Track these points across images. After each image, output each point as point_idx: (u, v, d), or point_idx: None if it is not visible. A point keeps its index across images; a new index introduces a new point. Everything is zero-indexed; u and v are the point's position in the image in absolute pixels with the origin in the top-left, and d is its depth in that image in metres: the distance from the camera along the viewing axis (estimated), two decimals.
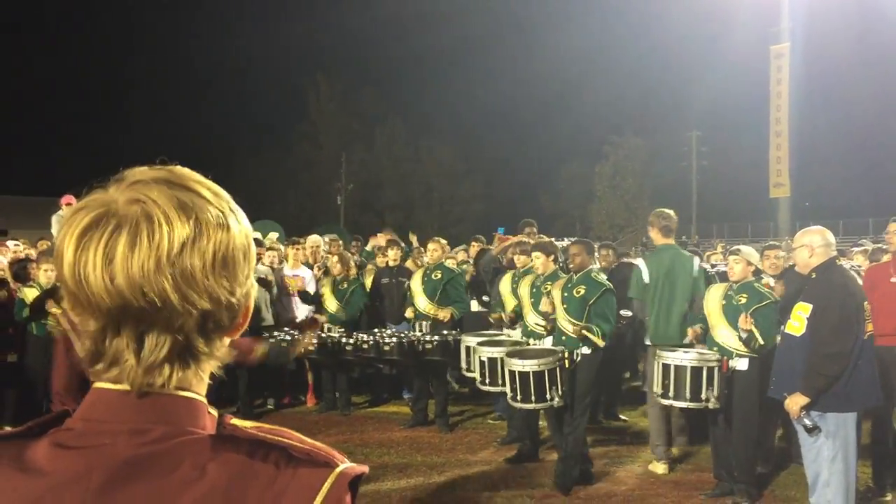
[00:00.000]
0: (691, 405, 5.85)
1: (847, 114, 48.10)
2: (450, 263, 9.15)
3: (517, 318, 7.26)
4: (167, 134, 55.70)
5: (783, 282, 6.47)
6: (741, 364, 5.74)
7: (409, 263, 9.71)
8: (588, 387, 6.13)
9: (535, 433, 7.06)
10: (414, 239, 12.30)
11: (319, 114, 55.69)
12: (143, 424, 0.89)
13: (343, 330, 8.54)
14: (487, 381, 6.65)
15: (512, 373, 6.09)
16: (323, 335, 8.46)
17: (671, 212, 7.01)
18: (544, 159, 56.30)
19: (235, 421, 0.93)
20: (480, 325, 8.29)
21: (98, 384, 0.92)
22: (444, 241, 8.96)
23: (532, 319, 6.83)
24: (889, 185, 44.81)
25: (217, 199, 0.93)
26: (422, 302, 8.33)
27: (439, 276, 8.38)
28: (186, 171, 0.95)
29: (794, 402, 4.66)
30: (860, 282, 6.00)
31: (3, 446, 0.92)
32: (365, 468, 0.92)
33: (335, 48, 60.82)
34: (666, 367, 5.87)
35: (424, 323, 8.26)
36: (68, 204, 10.95)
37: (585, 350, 6.15)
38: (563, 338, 6.27)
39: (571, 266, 6.50)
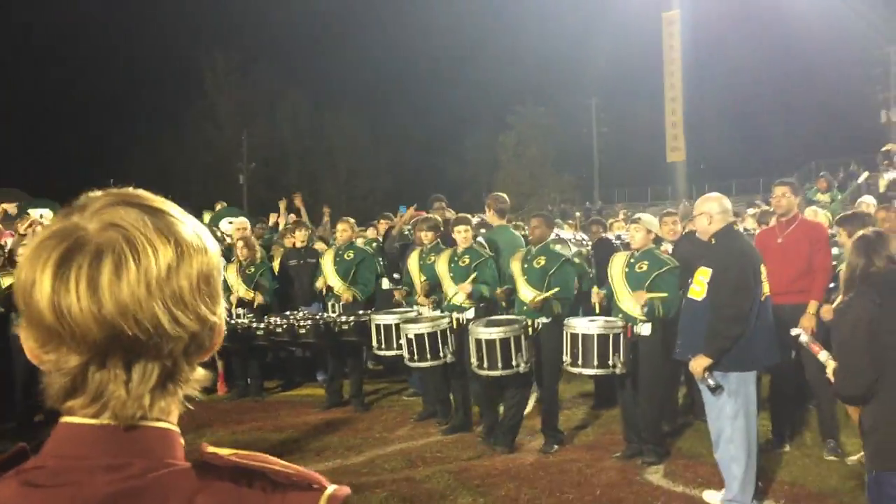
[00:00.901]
0: (599, 371, 6.03)
1: (737, 76, 49.91)
2: (359, 242, 9.10)
3: (431, 293, 7.27)
4: (63, 121, 53.21)
5: (677, 247, 6.71)
6: (645, 329, 5.92)
7: (317, 244, 9.60)
8: (554, 355, 6.25)
9: (468, 405, 7.16)
10: (326, 213, 12.26)
11: (217, 91, 54.15)
12: (120, 459, 0.85)
13: (252, 315, 8.39)
14: (416, 357, 6.72)
15: (478, 341, 6.25)
16: (232, 321, 8.30)
17: (505, 195, 7.65)
18: (449, 130, 56.39)
19: (212, 448, 0.90)
20: (392, 303, 8.27)
21: (68, 419, 0.87)
22: (352, 221, 8.88)
23: (453, 294, 6.87)
24: (776, 144, 46.91)
25: (187, 219, 0.92)
26: (335, 282, 8.26)
27: (351, 255, 8.33)
28: (146, 192, 0.93)
29: (698, 364, 4.84)
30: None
31: None
32: (348, 489, 0.92)
33: (228, 22, 58.93)
34: (574, 336, 6.00)
35: (338, 303, 8.21)
36: None
37: (545, 319, 6.33)
38: (524, 308, 6.42)
39: (531, 238, 6.73)
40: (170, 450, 0.90)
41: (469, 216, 7.61)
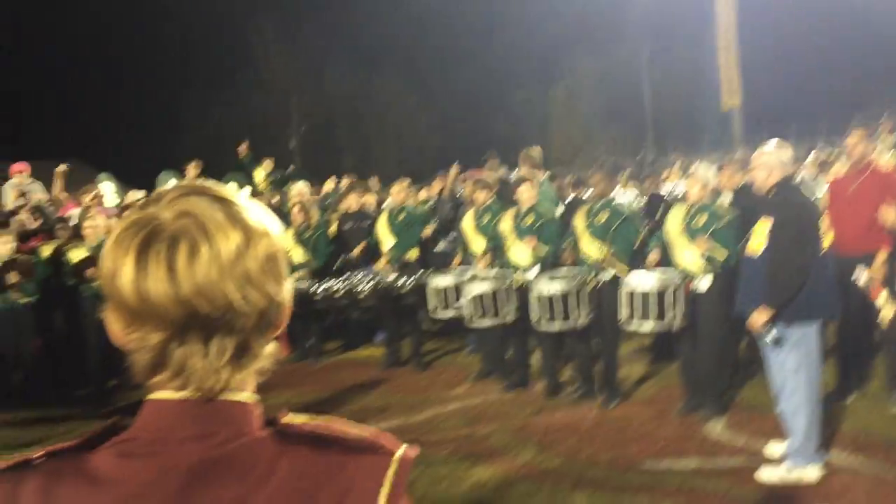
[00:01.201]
0: (657, 326, 6.01)
1: (793, 15, 48.11)
2: (412, 202, 9.15)
3: (495, 254, 7.27)
4: (113, 91, 54.08)
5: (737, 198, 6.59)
6: (704, 283, 5.87)
7: (366, 198, 9.63)
8: (614, 311, 6.25)
9: (527, 361, 7.24)
10: (375, 181, 12.27)
11: (264, 57, 54.38)
12: (207, 429, 0.93)
13: (311, 279, 8.53)
14: (479, 316, 6.84)
15: (540, 297, 6.35)
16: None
17: (536, 148, 7.84)
18: (497, 86, 55.64)
19: (289, 417, 0.99)
20: (446, 263, 8.33)
21: (154, 395, 0.95)
22: (406, 182, 8.93)
23: (516, 253, 6.89)
24: (838, 82, 45.25)
25: (252, 206, 0.99)
26: (391, 243, 8.32)
27: (404, 216, 8.38)
28: (213, 183, 1.01)
29: (759, 316, 4.78)
30: (816, 193, 6.12)
31: (59, 462, 0.93)
32: (417, 449, 0.99)
33: None
34: (631, 292, 5.99)
35: (395, 265, 8.28)
36: (20, 171, 10.55)
37: (608, 275, 6.36)
38: (587, 262, 6.49)
39: (595, 193, 6.79)
40: (250, 419, 0.96)
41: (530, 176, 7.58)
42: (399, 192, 8.58)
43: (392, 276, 8.04)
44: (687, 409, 6.12)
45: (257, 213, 0.98)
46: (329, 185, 12.18)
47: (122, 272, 0.90)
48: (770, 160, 4.88)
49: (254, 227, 0.95)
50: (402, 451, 0.98)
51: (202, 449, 0.91)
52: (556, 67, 52.24)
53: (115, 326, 0.95)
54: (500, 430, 6.05)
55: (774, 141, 5.05)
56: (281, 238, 1.00)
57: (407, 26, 58.49)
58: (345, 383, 7.86)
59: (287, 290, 1.00)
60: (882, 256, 5.70)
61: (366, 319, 9.43)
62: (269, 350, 0.99)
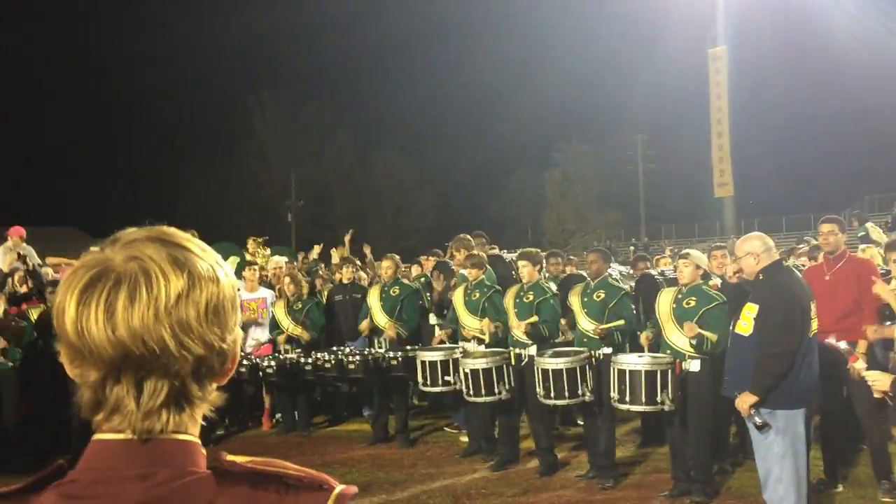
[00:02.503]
0: (647, 408, 5.99)
1: (785, 112, 49.34)
2: (414, 273, 9.19)
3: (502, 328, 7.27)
4: (115, 160, 54.82)
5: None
6: (693, 365, 5.88)
7: (361, 278, 9.69)
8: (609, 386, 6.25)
9: (516, 440, 7.15)
10: (368, 251, 12.30)
11: (266, 131, 55.24)
12: (148, 469, 0.94)
13: (300, 350, 8.50)
14: (472, 392, 6.82)
15: (545, 371, 6.37)
16: (280, 356, 8.42)
17: (467, 238, 8.39)
18: (494, 167, 56.56)
19: (231, 456, 0.99)
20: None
21: (98, 436, 0.97)
22: (397, 257, 8.98)
23: (517, 330, 6.92)
24: (827, 180, 46.11)
25: (206, 254, 1.01)
26: (381, 319, 8.31)
27: (397, 291, 8.38)
28: (175, 230, 1.03)
29: (744, 401, 4.77)
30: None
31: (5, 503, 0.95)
32: (355, 488, 1.00)
33: (277, 62, 60.14)
34: (621, 372, 5.98)
35: (384, 339, 8.25)
36: (17, 235, 10.54)
37: (606, 350, 6.40)
38: (585, 339, 6.58)
39: (588, 273, 6.98)
40: (191, 459, 0.97)
41: (533, 251, 7.61)
42: (389, 267, 8.58)
43: (381, 350, 8.01)
44: (674, 494, 6.04)
45: (209, 262, 1.00)
46: (316, 253, 12.26)
47: (66, 309, 0.94)
48: (755, 246, 4.94)
49: (199, 274, 0.97)
50: (340, 488, 0.99)
51: (142, 489, 0.92)
52: (552, 152, 53.17)
53: (63, 360, 0.97)
54: None
55: (755, 232, 5.15)
56: (229, 287, 1.01)
57: (408, 106, 59.75)
58: (330, 457, 7.75)
59: (233, 340, 1.01)
60: (862, 346, 5.72)
61: (354, 393, 9.37)
62: (212, 397, 1.01)
